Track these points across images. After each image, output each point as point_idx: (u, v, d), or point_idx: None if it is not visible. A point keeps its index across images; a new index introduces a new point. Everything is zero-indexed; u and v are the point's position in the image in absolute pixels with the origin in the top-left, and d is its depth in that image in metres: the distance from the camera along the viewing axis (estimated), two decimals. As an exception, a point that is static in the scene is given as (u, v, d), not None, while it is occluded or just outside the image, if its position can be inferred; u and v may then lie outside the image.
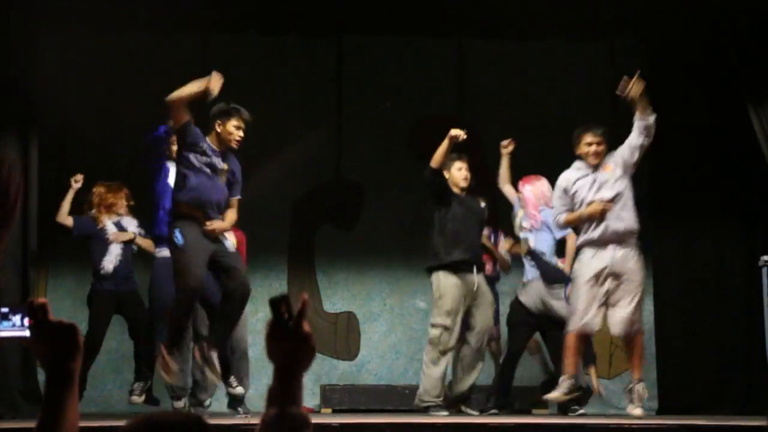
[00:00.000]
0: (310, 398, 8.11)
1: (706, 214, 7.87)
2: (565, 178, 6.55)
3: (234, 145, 6.10)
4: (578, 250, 6.44)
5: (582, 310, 6.26)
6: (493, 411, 6.93)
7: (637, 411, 6.17)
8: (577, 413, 7.05)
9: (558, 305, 6.92)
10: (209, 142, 6.00)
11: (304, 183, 8.70)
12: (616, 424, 5.63)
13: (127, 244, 7.13)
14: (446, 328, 6.58)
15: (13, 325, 1.87)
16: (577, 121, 8.65)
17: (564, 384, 6.35)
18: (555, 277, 7.00)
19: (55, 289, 8.14)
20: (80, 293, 7.87)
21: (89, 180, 7.33)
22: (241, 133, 6.11)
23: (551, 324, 7.06)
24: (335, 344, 8.52)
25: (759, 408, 6.71)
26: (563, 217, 6.52)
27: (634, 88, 6.07)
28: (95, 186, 7.23)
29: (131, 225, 7.18)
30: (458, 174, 6.82)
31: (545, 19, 7.45)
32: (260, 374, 8.25)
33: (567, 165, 8.50)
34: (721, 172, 7.86)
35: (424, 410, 6.59)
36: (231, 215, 6.15)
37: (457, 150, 6.76)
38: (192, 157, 5.91)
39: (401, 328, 8.56)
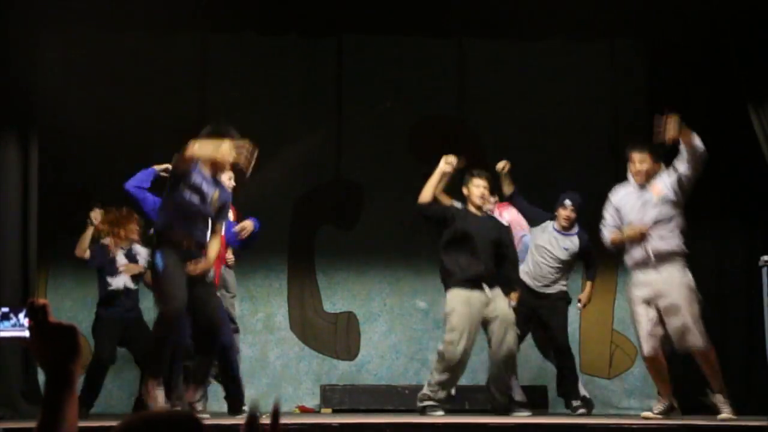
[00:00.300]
0: (310, 398, 8.12)
1: (706, 214, 7.86)
2: (616, 194, 6.45)
3: (228, 168, 6.10)
4: (630, 271, 6.43)
5: (643, 335, 6.26)
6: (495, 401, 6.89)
7: (725, 414, 6.10)
8: (577, 413, 7.07)
9: (552, 242, 7.28)
10: (202, 171, 5.96)
11: (304, 183, 8.70)
12: (616, 424, 5.63)
13: (136, 275, 7.15)
14: (451, 343, 6.59)
15: (13, 325, 1.87)
16: (577, 121, 8.71)
17: (657, 407, 6.32)
18: (540, 216, 7.34)
19: (55, 290, 8.14)
20: (80, 294, 7.88)
21: (90, 181, 7.33)
22: (234, 155, 6.07)
23: (549, 308, 7.21)
24: (335, 344, 8.52)
25: (759, 408, 6.71)
26: (609, 237, 6.44)
27: (668, 130, 5.92)
28: (105, 213, 7.18)
29: (142, 253, 7.17)
30: (475, 191, 6.79)
31: (545, 19, 7.45)
32: (259, 374, 8.28)
33: (566, 165, 8.55)
34: (721, 172, 7.84)
35: (422, 410, 6.59)
36: (215, 244, 6.08)
37: (477, 167, 6.87)
38: (184, 190, 5.87)
39: (401, 328, 8.56)
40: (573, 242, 7.34)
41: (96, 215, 7.18)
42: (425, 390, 6.69)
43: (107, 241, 7.14)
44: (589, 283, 7.59)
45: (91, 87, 7.93)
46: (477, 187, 6.77)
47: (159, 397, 5.84)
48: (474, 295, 6.63)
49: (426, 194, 6.66)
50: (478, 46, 8.71)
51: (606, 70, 8.83)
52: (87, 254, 7.17)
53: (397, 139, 8.67)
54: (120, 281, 7.10)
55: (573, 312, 7.72)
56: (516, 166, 7.46)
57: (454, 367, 6.59)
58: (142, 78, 8.15)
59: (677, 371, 7.00)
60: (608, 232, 6.43)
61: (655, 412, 6.27)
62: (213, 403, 7.16)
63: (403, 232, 8.54)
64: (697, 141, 6.13)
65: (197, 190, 5.87)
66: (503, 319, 6.64)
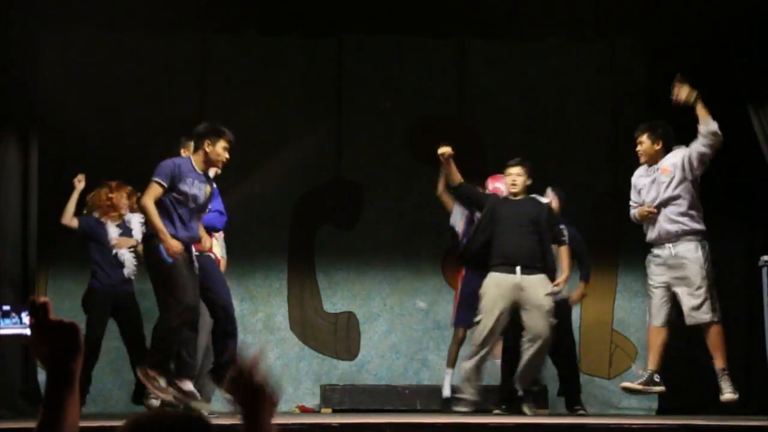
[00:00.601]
0: (310, 398, 8.12)
1: (706, 214, 7.85)
2: (634, 175, 6.66)
3: (220, 166, 6.11)
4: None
5: (652, 306, 6.43)
6: (497, 411, 6.89)
7: (727, 396, 6.20)
8: (577, 413, 7.06)
9: None
10: (194, 166, 6.01)
11: (304, 183, 8.69)
12: (616, 424, 5.63)
13: (130, 249, 7.13)
14: (479, 326, 6.70)
15: (15, 323, 1.88)
16: (577, 121, 8.71)
17: (645, 377, 6.41)
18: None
19: (55, 289, 8.13)
20: (80, 293, 7.86)
21: (90, 180, 7.32)
22: (227, 155, 6.08)
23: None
24: (335, 344, 8.52)
25: (759, 408, 6.71)
26: (633, 214, 6.64)
27: (681, 91, 6.21)
28: (96, 189, 7.20)
29: (136, 223, 7.14)
30: (508, 180, 6.97)
31: (545, 19, 7.45)
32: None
33: (566, 165, 8.55)
34: (721, 172, 7.84)
35: (451, 401, 6.71)
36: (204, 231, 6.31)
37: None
38: (178, 193, 5.93)
39: (401, 328, 8.55)
40: None
41: (80, 179, 7.17)
42: (458, 381, 6.81)
43: (98, 214, 7.14)
44: (582, 284, 7.59)
45: (91, 87, 7.92)
46: (509, 176, 6.96)
47: (162, 382, 5.83)
48: (507, 279, 6.70)
49: (451, 179, 6.90)
50: (478, 46, 8.71)
51: (606, 70, 8.83)
52: (74, 223, 7.11)
53: (397, 139, 8.67)
54: (129, 263, 7.08)
55: (573, 312, 7.72)
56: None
57: (479, 349, 6.67)
58: (142, 78, 8.15)
59: (681, 371, 7.01)
60: (633, 210, 6.63)
61: (637, 382, 6.35)
62: (213, 403, 7.15)
63: (403, 232, 8.54)
64: (712, 123, 6.27)
65: (190, 189, 5.98)
66: (538, 306, 6.67)
